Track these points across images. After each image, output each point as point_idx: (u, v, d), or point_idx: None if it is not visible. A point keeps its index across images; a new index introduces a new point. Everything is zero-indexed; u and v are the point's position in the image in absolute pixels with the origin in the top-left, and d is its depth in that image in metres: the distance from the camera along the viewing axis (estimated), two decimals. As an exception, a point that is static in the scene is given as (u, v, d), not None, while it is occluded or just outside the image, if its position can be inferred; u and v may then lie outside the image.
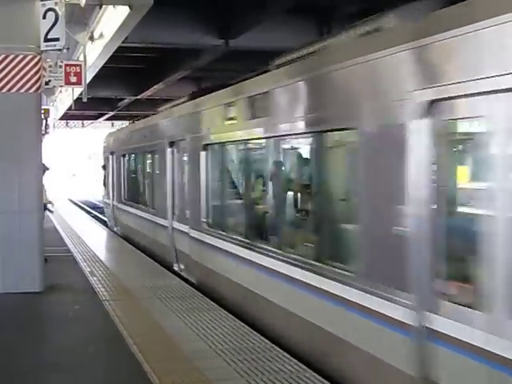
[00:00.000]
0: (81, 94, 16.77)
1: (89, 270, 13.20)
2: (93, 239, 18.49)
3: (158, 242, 15.41)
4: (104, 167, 24.84)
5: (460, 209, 5.70)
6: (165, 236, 14.53)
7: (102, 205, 43.38)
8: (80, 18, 14.28)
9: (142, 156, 18.25)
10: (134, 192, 19.33)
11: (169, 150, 14.00)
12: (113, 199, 22.49)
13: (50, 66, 12.55)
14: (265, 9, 15.77)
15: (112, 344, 8.02)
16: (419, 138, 5.27)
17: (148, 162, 17.66)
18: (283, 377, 6.64)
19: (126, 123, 53.25)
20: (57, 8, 10.49)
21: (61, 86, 16.32)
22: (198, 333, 8.34)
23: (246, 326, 8.66)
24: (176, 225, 13.75)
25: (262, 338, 8.10)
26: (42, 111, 14.20)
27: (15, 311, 9.86)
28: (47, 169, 14.97)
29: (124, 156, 20.68)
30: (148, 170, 17.76)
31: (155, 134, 15.85)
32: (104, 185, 24.88)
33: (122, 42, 16.09)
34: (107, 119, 47.43)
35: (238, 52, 20.15)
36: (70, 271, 13.35)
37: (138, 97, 30.78)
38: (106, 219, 26.75)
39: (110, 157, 22.93)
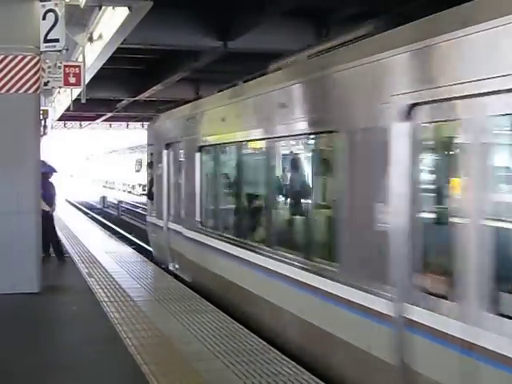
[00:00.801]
0: (79, 95, 16.77)
1: (86, 271, 13.20)
2: (90, 240, 18.49)
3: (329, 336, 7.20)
4: (150, 166, 16.41)
5: None
6: (381, 340, 6.23)
7: (98, 205, 43.67)
8: (79, 19, 14.29)
9: (269, 148, 9.23)
10: (242, 218, 10.71)
11: (401, 127, 5.89)
12: (168, 219, 14.42)
13: (48, 67, 12.54)
14: (263, 11, 15.78)
15: (110, 345, 8.01)
16: None
17: (292, 159, 9.40)
18: (281, 379, 6.65)
19: (123, 124, 53.38)
20: (57, 9, 10.50)
21: (60, 87, 16.30)
22: (196, 334, 8.34)
23: (244, 329, 8.66)
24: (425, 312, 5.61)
25: (260, 340, 8.10)
26: (41, 112, 14.19)
27: (13, 312, 9.84)
28: (54, 171, 14.89)
29: (206, 149, 12.05)
30: (297, 176, 9.16)
31: (333, 103, 7.31)
32: (149, 196, 16.43)
33: (121, 44, 16.09)
34: (105, 120, 47.43)
35: (236, 54, 20.17)
36: (67, 272, 13.38)
37: (136, 98, 30.78)
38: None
39: (165, 152, 14.61)
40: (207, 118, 12.08)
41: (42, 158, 15.13)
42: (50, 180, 14.73)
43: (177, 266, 13.86)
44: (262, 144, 9.60)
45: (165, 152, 14.63)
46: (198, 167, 12.26)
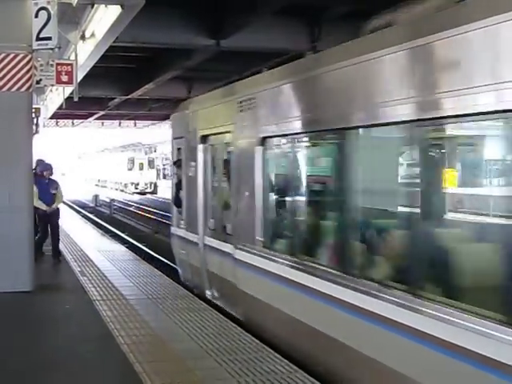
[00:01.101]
0: (71, 93, 16.73)
1: (79, 269, 13.18)
2: (83, 239, 18.47)
3: None
4: (178, 165, 12.99)
5: None
6: None
7: (91, 204, 43.59)
8: (72, 17, 14.26)
9: (419, 136, 5.78)
10: (346, 243, 7.04)
11: None
12: (206, 234, 11.19)
13: (41, 65, 12.47)
14: (256, 10, 15.81)
15: (103, 344, 8.00)
16: None
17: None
18: (274, 377, 6.65)
19: (115, 122, 53.32)
20: (49, 7, 10.48)
21: (52, 86, 16.28)
22: (189, 333, 8.34)
23: (237, 327, 8.67)
24: None
25: (253, 338, 8.11)
26: (33, 110, 14.17)
27: (5, 310, 9.80)
28: (49, 168, 14.72)
29: (275, 141, 8.89)
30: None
31: None
32: (176, 202, 12.99)
33: (113, 42, 16.09)
34: (97, 119, 47.39)
35: (228, 52, 20.19)
36: (60, 271, 13.37)
37: (129, 96, 30.77)
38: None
39: (201, 146, 11.38)
40: (277, 97, 8.66)
41: (39, 157, 15.19)
42: (52, 177, 14.63)
43: (216, 295, 10.81)
44: (400, 130, 6.05)
45: (200, 147, 11.37)
46: (260, 166, 8.89)
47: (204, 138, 11.30)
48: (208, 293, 11.08)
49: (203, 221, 11.27)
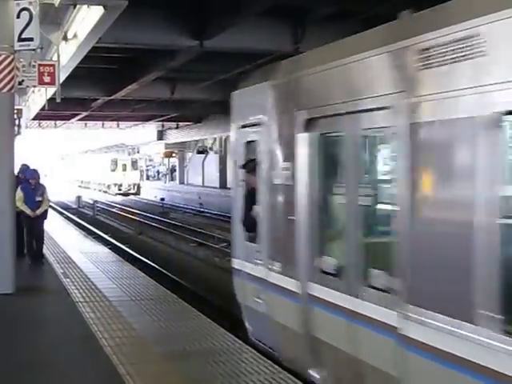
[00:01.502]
0: (54, 94, 16.67)
1: (62, 271, 13.12)
2: (66, 240, 18.40)
3: None
4: (249, 169, 8.41)
5: None
6: None
7: (73, 205, 43.36)
8: (54, 18, 14.21)
9: None
10: None
11: None
12: (312, 279, 6.89)
13: (23, 66, 12.41)
14: (239, 11, 15.80)
15: (86, 346, 7.97)
16: None
17: None
18: (258, 378, 6.65)
19: (99, 124, 53.08)
20: (31, 7, 10.42)
21: (34, 86, 16.19)
22: (172, 334, 8.33)
23: (221, 328, 8.67)
24: None
25: (237, 339, 8.11)
26: (15, 111, 14.07)
27: (-13, 313, 9.77)
28: (35, 177, 14.46)
29: None
30: None
31: None
32: (247, 224, 8.42)
33: (96, 43, 16.03)
34: (80, 120, 47.21)
35: (212, 53, 20.20)
36: (42, 272, 13.30)
37: (112, 97, 30.68)
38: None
39: (305, 137, 7.01)
40: None
41: (22, 162, 15.04)
42: (41, 183, 14.46)
43: (332, 381, 6.76)
44: None
45: (304, 137, 7.09)
46: (490, 169, 4.49)
47: (311, 123, 7.02)
48: (315, 375, 6.99)
49: (307, 257, 7.10)
